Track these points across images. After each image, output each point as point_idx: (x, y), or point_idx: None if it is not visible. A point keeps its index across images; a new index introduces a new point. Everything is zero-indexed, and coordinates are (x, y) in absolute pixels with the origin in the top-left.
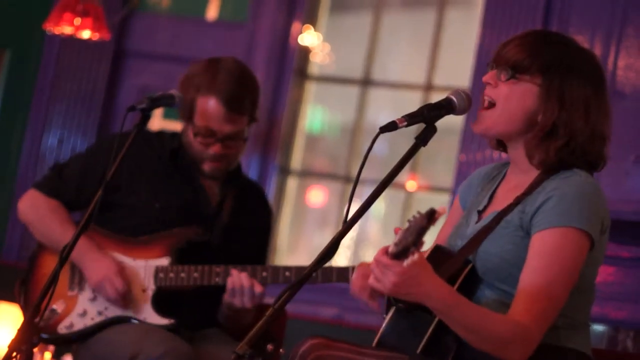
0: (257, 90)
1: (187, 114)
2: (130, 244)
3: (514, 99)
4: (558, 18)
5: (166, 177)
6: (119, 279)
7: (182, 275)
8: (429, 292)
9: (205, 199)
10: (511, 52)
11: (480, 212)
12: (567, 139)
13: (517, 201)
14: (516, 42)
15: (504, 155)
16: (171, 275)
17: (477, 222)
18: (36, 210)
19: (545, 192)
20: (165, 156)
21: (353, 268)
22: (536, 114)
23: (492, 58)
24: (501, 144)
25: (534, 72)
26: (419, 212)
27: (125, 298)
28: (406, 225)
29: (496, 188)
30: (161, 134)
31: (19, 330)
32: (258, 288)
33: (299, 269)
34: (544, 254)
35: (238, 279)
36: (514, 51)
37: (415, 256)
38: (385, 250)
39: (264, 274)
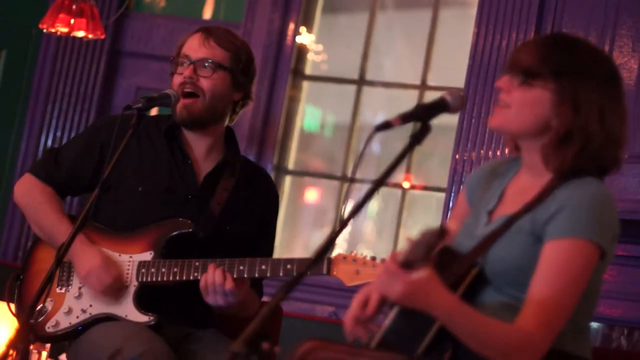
0: (248, 49)
1: (173, 66)
2: (118, 239)
3: (527, 104)
4: (552, 18)
5: (156, 160)
6: (104, 272)
7: (163, 270)
8: (434, 304)
9: (192, 178)
10: (523, 57)
11: (489, 212)
12: (583, 144)
13: (528, 208)
14: (529, 47)
15: (498, 154)
16: (152, 270)
17: (487, 224)
18: (31, 196)
19: (558, 201)
20: (158, 137)
21: (329, 259)
22: (550, 118)
23: (506, 63)
24: (518, 147)
25: (546, 77)
26: (430, 228)
27: (110, 292)
28: (417, 237)
29: (506, 187)
30: (157, 117)
31: (17, 328)
32: (229, 285)
33: (274, 262)
34: (554, 263)
35: (211, 275)
36: (526, 56)
37: (423, 272)
38: (395, 258)
39: (241, 267)
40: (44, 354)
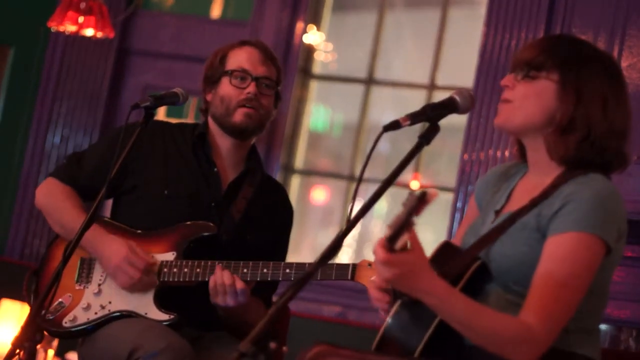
0: (280, 66)
1: (217, 75)
2: (139, 238)
3: (531, 96)
4: (561, 18)
5: (182, 165)
6: (131, 265)
7: (185, 270)
8: (423, 286)
9: (217, 186)
10: (526, 53)
11: (497, 212)
12: (585, 132)
13: (533, 204)
14: (531, 44)
15: (507, 154)
16: (175, 270)
17: (492, 222)
18: (50, 196)
19: (563, 196)
20: (184, 143)
21: (354, 266)
22: (555, 110)
23: (510, 65)
24: (522, 150)
25: (549, 68)
26: (411, 194)
27: (139, 286)
28: (401, 208)
29: (514, 187)
30: (181, 124)
31: (22, 327)
32: (239, 284)
33: (299, 266)
34: (557, 257)
35: (220, 276)
36: (530, 52)
37: (404, 239)
38: (382, 243)
39: (265, 270)
40: (51, 352)
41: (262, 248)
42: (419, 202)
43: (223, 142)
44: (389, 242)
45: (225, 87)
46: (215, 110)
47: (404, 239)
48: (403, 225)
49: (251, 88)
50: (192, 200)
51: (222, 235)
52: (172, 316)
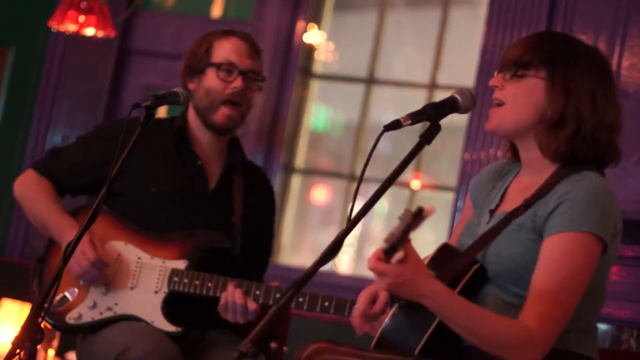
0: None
1: (202, 65)
2: (150, 239)
3: (521, 96)
4: (562, 17)
5: (166, 161)
6: (83, 254)
7: (196, 282)
8: (422, 292)
9: (203, 179)
10: (513, 52)
11: (492, 212)
12: (575, 127)
13: (527, 204)
14: (518, 42)
15: (508, 155)
16: (185, 280)
17: (488, 222)
18: (26, 187)
19: (558, 195)
20: (162, 138)
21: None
22: (545, 108)
23: (498, 65)
24: (515, 153)
25: (537, 66)
26: (407, 210)
27: (87, 275)
28: (397, 222)
29: (508, 187)
30: (159, 120)
31: (22, 326)
32: (252, 305)
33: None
34: (555, 258)
35: (232, 295)
36: (516, 51)
37: (400, 254)
38: (378, 255)
39: (257, 292)
40: (51, 352)
41: (258, 237)
42: (415, 218)
43: (203, 136)
44: (385, 255)
45: (211, 80)
46: (199, 102)
47: (400, 254)
48: (399, 241)
49: (238, 82)
50: (180, 196)
51: (233, 248)
52: (178, 329)
